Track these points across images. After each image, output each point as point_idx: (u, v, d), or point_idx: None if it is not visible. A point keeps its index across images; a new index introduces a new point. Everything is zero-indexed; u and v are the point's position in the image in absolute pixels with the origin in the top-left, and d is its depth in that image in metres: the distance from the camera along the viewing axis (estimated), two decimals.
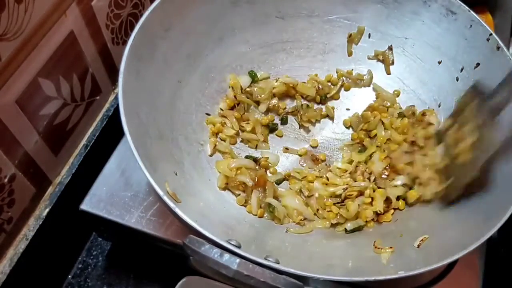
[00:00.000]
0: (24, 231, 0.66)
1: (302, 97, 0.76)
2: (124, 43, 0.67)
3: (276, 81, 0.75)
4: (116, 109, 0.74)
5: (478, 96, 0.61)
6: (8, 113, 0.57)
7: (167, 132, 0.64)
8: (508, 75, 0.58)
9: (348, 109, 0.76)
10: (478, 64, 0.66)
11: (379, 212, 0.63)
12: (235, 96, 0.73)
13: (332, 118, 0.76)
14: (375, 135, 0.72)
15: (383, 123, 0.72)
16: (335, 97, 0.77)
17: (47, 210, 0.67)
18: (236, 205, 0.65)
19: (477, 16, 0.66)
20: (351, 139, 0.74)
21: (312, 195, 0.67)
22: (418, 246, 0.56)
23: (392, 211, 0.64)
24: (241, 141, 0.72)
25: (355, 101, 0.77)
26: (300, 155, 0.73)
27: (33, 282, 0.68)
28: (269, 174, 0.70)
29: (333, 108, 0.76)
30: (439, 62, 0.71)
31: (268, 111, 0.75)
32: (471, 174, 0.58)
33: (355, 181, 0.67)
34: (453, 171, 0.61)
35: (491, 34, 0.64)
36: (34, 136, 0.63)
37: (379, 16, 0.74)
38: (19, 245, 0.65)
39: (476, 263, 0.61)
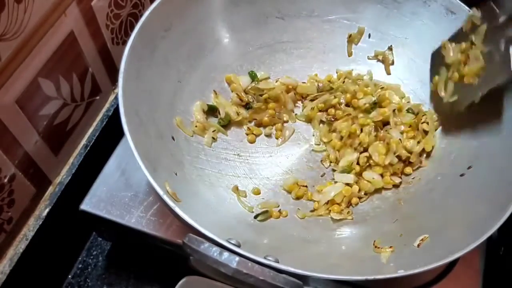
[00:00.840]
0: (24, 231, 0.66)
1: (302, 97, 0.76)
2: (124, 43, 0.67)
3: (276, 81, 0.75)
4: (116, 109, 0.74)
5: (489, 20, 0.59)
6: (8, 113, 0.58)
7: (167, 132, 0.64)
8: None
9: None
10: None
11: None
12: (240, 99, 0.73)
13: None
14: None
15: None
16: None
17: (47, 210, 0.67)
18: (236, 204, 0.65)
19: None
20: None
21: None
22: (418, 245, 0.56)
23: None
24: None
25: None
26: None
27: (33, 282, 0.68)
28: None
29: None
30: None
31: None
32: (473, 97, 0.60)
33: None
34: (458, 89, 0.62)
35: None
36: (34, 136, 0.63)
37: (379, 16, 0.74)
38: (19, 245, 0.65)
39: (476, 262, 0.61)
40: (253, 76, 0.75)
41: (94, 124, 0.75)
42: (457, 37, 0.65)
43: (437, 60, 0.68)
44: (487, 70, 0.58)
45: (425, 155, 0.69)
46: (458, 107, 0.64)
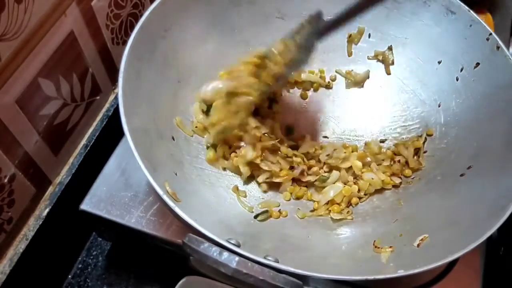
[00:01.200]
0: (24, 231, 0.66)
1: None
2: (124, 43, 0.67)
3: None
4: (116, 109, 0.74)
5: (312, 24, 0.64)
6: (8, 113, 0.58)
7: (167, 132, 0.64)
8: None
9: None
10: (478, 64, 0.66)
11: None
12: None
13: None
14: None
15: None
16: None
17: (47, 210, 0.67)
18: (236, 204, 0.65)
19: (477, 16, 0.66)
20: None
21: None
22: (418, 245, 0.56)
23: None
24: None
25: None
26: None
27: (33, 282, 0.68)
28: None
29: None
30: (439, 62, 0.71)
31: None
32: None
33: None
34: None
35: (490, 34, 0.64)
36: (34, 136, 0.63)
37: (379, 16, 0.74)
38: (19, 245, 0.65)
39: (476, 262, 0.61)
40: None
41: (94, 124, 0.75)
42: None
43: None
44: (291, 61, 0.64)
45: (423, 153, 0.69)
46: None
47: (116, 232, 0.65)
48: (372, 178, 0.67)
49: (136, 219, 0.62)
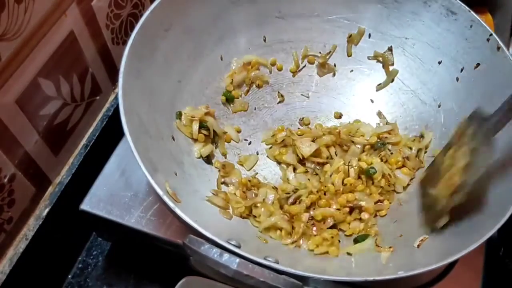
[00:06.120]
0: (24, 231, 0.66)
1: None
2: (124, 43, 0.67)
3: None
4: (116, 109, 0.74)
5: (474, 122, 0.58)
6: (8, 113, 0.57)
7: (167, 132, 0.64)
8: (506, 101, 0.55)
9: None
10: (478, 64, 0.66)
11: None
12: None
13: None
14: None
15: None
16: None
17: (47, 210, 0.67)
18: None
19: (477, 16, 0.66)
20: None
21: None
22: (418, 246, 0.56)
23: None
24: None
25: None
26: None
27: (33, 282, 0.68)
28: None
29: None
30: (439, 62, 0.71)
31: None
32: (458, 199, 0.57)
33: None
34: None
35: (491, 34, 0.64)
36: (34, 136, 0.63)
37: (379, 16, 0.74)
38: (19, 245, 0.65)
39: (476, 263, 0.61)
40: None
41: (94, 124, 0.75)
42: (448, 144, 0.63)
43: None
44: (470, 167, 0.56)
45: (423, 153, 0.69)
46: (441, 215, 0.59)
47: (116, 232, 0.65)
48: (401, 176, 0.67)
49: (136, 219, 0.62)
